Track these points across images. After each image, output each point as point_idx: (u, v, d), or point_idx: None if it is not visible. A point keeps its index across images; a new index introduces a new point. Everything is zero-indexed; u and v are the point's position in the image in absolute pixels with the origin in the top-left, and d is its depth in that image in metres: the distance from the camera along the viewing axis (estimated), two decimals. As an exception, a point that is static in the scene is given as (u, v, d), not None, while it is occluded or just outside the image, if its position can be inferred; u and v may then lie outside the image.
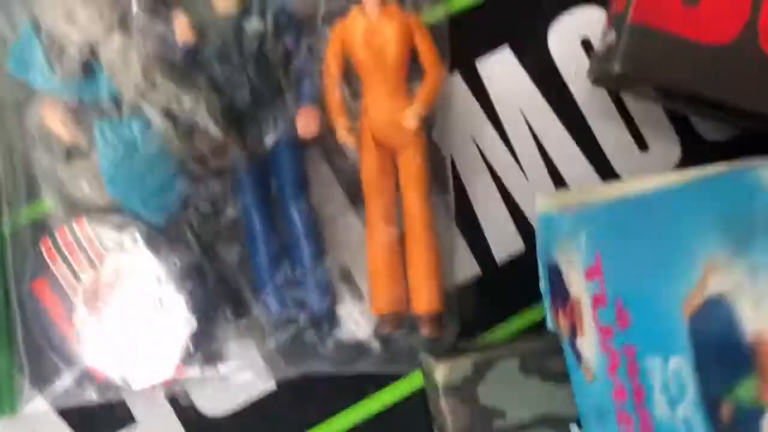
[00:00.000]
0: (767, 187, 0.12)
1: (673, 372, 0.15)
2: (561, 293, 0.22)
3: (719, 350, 0.13)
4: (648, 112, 0.29)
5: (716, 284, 0.13)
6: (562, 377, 0.24)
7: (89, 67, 0.26)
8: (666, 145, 0.29)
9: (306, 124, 0.26)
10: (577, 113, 0.29)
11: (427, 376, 0.26)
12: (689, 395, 0.15)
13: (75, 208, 0.26)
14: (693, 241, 0.14)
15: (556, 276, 0.23)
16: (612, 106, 0.29)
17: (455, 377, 0.24)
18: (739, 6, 0.25)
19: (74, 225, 0.26)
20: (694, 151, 0.29)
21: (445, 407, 0.24)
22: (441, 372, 0.24)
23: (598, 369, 0.20)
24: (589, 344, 0.20)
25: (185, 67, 0.26)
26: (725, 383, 0.14)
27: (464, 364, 0.24)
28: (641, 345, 0.16)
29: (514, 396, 0.24)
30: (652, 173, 0.29)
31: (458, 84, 0.29)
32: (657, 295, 0.15)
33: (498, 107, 0.29)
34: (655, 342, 0.16)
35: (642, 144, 0.29)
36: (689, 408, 0.15)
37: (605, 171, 0.29)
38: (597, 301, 0.19)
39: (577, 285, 0.20)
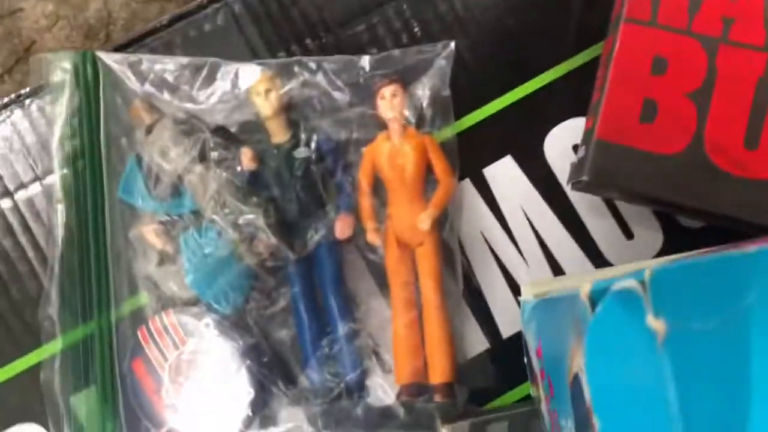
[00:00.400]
0: (585, 302, 0.17)
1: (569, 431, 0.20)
2: (531, 367, 0.27)
3: (583, 416, 0.18)
4: (632, 206, 0.35)
5: (576, 363, 0.18)
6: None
7: (176, 190, 0.34)
8: (649, 233, 0.34)
9: (342, 229, 0.33)
10: (571, 208, 0.35)
11: (440, 435, 0.31)
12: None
13: (164, 302, 0.33)
14: (568, 332, 0.19)
15: (527, 353, 0.28)
16: (600, 202, 0.35)
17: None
18: (688, 120, 0.30)
19: (163, 315, 0.33)
20: (676, 238, 0.34)
21: (452, 460, 0.29)
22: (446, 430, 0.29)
23: (548, 429, 0.24)
24: (544, 410, 0.25)
25: (248, 187, 0.33)
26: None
27: (463, 426, 0.29)
28: (558, 409, 0.21)
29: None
30: (637, 259, 0.34)
31: (468, 188, 0.35)
32: (560, 372, 0.20)
33: (502, 206, 0.35)
34: (562, 407, 0.20)
35: (628, 233, 0.34)
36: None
37: (596, 257, 0.34)
38: (542, 375, 0.24)
39: (535, 362, 0.25)
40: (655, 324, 0.14)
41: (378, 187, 0.34)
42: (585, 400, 0.17)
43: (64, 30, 1.10)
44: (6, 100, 0.35)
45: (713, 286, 0.15)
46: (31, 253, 0.34)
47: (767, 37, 0.30)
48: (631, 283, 0.15)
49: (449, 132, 0.35)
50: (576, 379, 0.18)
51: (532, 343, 0.25)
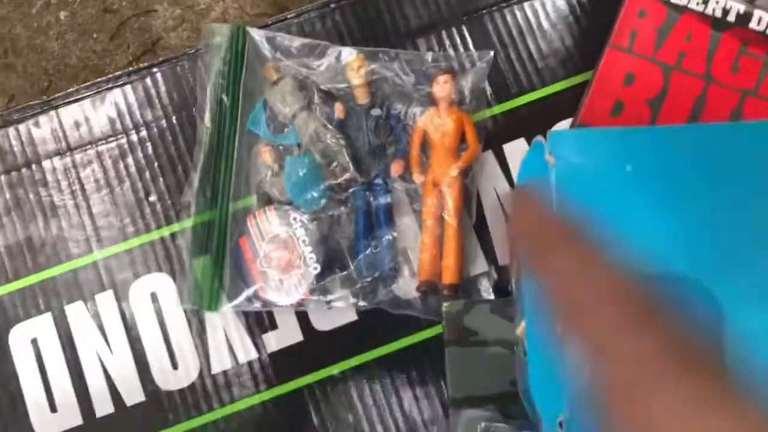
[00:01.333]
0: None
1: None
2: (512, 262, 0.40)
3: None
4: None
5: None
6: (512, 319, 0.41)
7: (287, 127, 0.48)
8: (616, 205, 0.47)
9: (396, 168, 0.47)
10: (562, 181, 0.48)
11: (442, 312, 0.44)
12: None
13: (268, 201, 0.48)
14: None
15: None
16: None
17: (452, 309, 0.42)
18: (644, 118, 0.43)
19: (266, 209, 0.48)
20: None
21: (445, 326, 0.42)
22: (445, 306, 0.43)
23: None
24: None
25: (336, 130, 0.48)
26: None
27: (458, 304, 0.43)
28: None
29: (484, 325, 0.42)
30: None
31: (490, 157, 0.49)
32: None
33: (512, 171, 0.48)
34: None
35: (600, 202, 0.47)
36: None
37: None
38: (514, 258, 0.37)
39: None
40: (549, 158, 0.28)
41: (424, 146, 0.48)
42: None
43: (186, 31, 1.29)
44: (181, 54, 0.51)
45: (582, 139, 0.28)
46: (186, 157, 0.49)
47: (706, 69, 0.43)
48: (541, 138, 0.29)
49: (482, 115, 0.49)
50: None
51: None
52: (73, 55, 1.23)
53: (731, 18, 0.44)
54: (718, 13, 0.44)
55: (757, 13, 0.44)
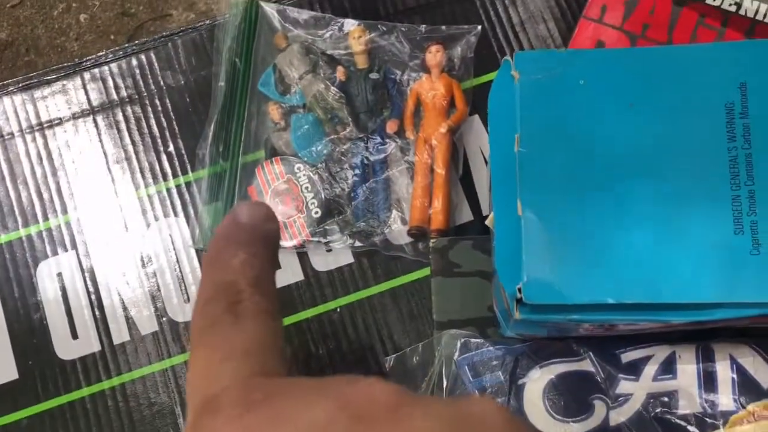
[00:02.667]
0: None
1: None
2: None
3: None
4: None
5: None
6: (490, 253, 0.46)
7: (292, 87, 0.54)
8: (589, 162, 0.52)
9: (391, 126, 0.52)
10: (541, 141, 0.53)
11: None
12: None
13: (275, 154, 0.53)
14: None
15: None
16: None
17: (438, 245, 0.47)
18: (612, 81, 0.48)
19: (273, 162, 0.53)
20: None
21: (431, 260, 0.47)
22: (432, 242, 0.47)
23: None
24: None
25: (338, 91, 0.53)
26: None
27: (443, 240, 0.47)
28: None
29: (467, 258, 0.47)
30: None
31: (477, 120, 0.54)
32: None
33: (496, 133, 0.53)
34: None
35: (575, 160, 0.52)
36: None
37: (551, 171, 0.52)
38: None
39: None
40: (514, 73, 0.33)
41: (417, 108, 0.54)
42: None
43: (195, 22, 1.36)
44: (199, 23, 0.57)
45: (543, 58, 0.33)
46: (201, 108, 0.55)
47: (668, 38, 0.49)
48: (509, 58, 0.34)
49: (470, 82, 0.54)
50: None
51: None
52: (91, 55, 1.30)
53: (691, -6, 0.49)
54: (679, -10, 0.49)
55: (714, -10, 0.49)
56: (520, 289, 0.31)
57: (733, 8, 0.49)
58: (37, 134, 0.55)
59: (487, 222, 0.35)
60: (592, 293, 0.31)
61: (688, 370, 0.39)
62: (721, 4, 0.49)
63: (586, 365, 0.41)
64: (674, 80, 0.32)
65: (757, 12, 0.49)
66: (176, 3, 1.29)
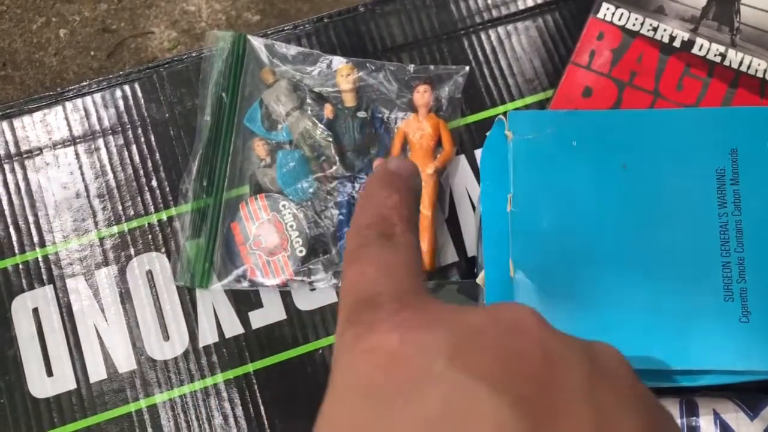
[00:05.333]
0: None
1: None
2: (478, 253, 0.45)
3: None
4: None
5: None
6: (476, 298, 0.46)
7: (279, 123, 0.53)
8: (574, 206, 0.52)
9: (377, 166, 0.52)
10: (527, 183, 0.53)
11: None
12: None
13: (260, 190, 0.53)
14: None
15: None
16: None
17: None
18: (599, 128, 0.49)
19: (257, 198, 0.52)
20: (591, 211, 0.52)
21: (420, 303, 0.47)
22: (421, 285, 0.47)
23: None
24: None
25: (325, 129, 0.53)
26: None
27: (430, 284, 0.47)
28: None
29: (452, 303, 0.46)
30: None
31: (463, 160, 0.54)
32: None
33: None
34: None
35: (560, 203, 0.53)
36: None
37: (536, 214, 0.52)
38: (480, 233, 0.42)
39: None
40: (508, 133, 0.33)
41: (404, 147, 0.53)
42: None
43: (181, 54, 1.35)
44: (185, 56, 0.56)
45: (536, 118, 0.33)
46: (185, 142, 0.54)
47: (655, 86, 0.49)
48: (503, 117, 0.34)
49: (457, 122, 0.54)
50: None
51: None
52: (71, 70, 1.28)
53: (677, 44, 0.50)
54: (666, 39, 0.50)
55: (699, 40, 0.50)
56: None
57: (718, 59, 0.50)
58: (16, 164, 0.54)
59: (477, 280, 0.35)
60: (582, 357, 0.31)
61: (672, 424, 0.39)
62: (707, 54, 0.50)
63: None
64: (666, 144, 0.32)
65: (741, 63, 0.49)
66: (158, 21, 1.27)
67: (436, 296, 0.47)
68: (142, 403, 0.50)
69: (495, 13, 0.57)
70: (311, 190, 0.52)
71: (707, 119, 0.33)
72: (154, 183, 0.54)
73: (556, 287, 0.32)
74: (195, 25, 1.33)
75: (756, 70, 0.49)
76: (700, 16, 0.50)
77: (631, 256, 0.31)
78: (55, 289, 0.52)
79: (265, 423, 0.49)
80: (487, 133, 0.35)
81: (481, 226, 0.34)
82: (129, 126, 0.55)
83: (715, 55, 0.50)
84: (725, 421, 0.39)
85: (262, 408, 0.49)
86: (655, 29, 0.50)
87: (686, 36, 0.50)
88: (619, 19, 0.50)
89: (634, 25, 0.50)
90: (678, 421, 0.40)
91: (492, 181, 0.34)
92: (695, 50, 0.50)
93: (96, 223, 0.53)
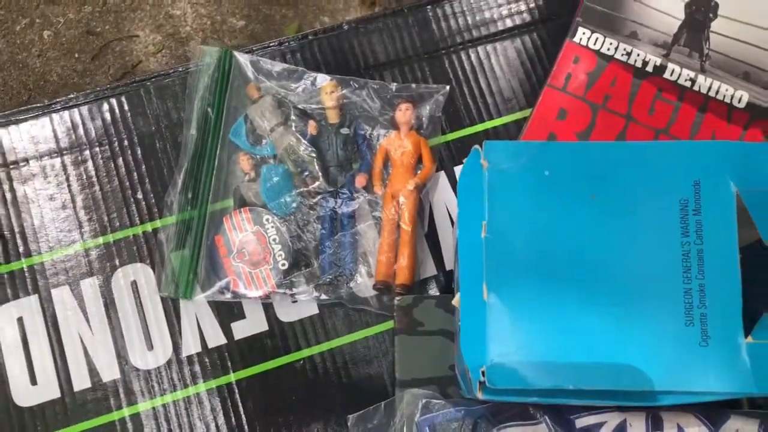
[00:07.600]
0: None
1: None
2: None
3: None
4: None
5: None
6: (453, 312, 0.48)
7: (263, 139, 0.55)
8: (549, 223, 0.54)
9: (359, 180, 0.54)
10: (504, 200, 0.55)
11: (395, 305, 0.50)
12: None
13: (243, 204, 0.54)
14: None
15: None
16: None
17: (403, 303, 0.48)
18: (574, 149, 0.50)
19: (241, 211, 0.53)
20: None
21: (396, 317, 0.48)
22: (397, 300, 0.49)
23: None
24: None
25: (309, 144, 0.54)
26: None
27: (408, 298, 0.49)
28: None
29: (430, 317, 0.48)
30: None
31: (443, 176, 0.55)
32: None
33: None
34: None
35: (536, 220, 0.54)
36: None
37: (513, 230, 0.54)
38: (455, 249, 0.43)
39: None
40: (483, 162, 0.34)
41: (386, 164, 0.55)
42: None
43: (165, 57, 1.35)
44: (171, 70, 0.57)
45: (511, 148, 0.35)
46: (171, 155, 0.55)
47: (628, 110, 0.51)
48: (478, 147, 0.35)
49: (437, 140, 0.56)
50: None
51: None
52: (54, 72, 1.28)
53: (650, 68, 0.52)
54: (639, 64, 0.52)
55: (671, 65, 0.52)
56: (483, 372, 0.33)
57: (688, 83, 0.52)
58: (2, 174, 0.54)
59: (453, 302, 0.36)
60: (553, 379, 0.32)
61: (638, 436, 0.40)
62: (678, 78, 0.52)
63: (542, 429, 0.43)
64: (634, 175, 0.34)
65: (709, 88, 0.51)
66: (143, 24, 1.28)
67: (414, 311, 0.48)
68: (126, 412, 0.51)
69: (475, 33, 0.58)
70: (294, 205, 0.53)
71: (672, 152, 0.35)
72: (140, 195, 0.55)
73: (527, 310, 0.33)
74: (180, 29, 1.33)
75: (724, 96, 0.51)
76: (671, 42, 0.52)
77: (598, 281, 0.33)
78: (40, 298, 0.52)
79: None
80: (464, 161, 0.37)
81: (458, 251, 0.36)
82: (116, 138, 0.55)
83: (685, 80, 0.52)
84: (688, 435, 0.41)
85: (243, 417, 0.51)
86: (629, 54, 0.52)
87: (659, 61, 0.52)
88: (595, 44, 0.52)
89: (608, 49, 0.52)
90: (643, 434, 0.41)
91: (468, 207, 0.35)
92: (667, 75, 0.52)
93: (82, 234, 0.54)
